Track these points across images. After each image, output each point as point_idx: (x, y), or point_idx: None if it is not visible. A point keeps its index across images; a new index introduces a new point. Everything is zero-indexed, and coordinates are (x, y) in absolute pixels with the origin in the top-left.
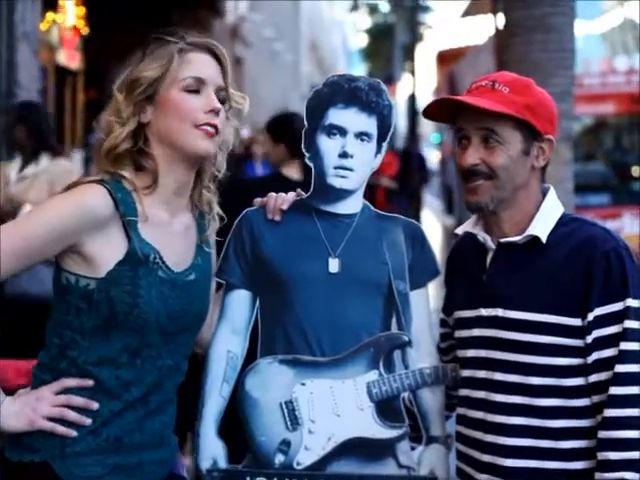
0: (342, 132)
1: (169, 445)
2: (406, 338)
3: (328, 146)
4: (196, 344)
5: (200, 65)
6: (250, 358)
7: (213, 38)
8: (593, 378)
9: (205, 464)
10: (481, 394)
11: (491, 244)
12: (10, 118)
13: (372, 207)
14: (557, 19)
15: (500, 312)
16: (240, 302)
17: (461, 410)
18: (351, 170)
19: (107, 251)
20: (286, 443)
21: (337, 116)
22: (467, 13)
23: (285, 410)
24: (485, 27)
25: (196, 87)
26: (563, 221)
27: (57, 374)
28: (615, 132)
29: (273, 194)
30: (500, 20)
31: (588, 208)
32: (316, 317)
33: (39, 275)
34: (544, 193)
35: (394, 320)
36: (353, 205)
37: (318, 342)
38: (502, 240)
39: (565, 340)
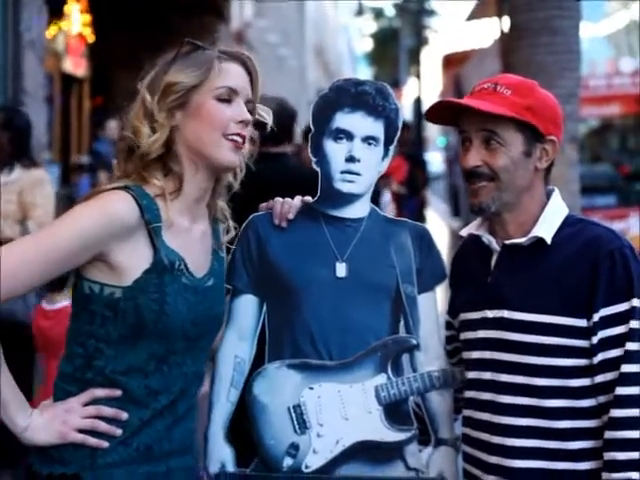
0: (349, 136)
1: (191, 452)
2: (414, 341)
3: (335, 150)
4: None
5: (234, 75)
6: (258, 362)
7: (218, 44)
8: (599, 379)
9: (213, 468)
10: (487, 396)
11: (496, 246)
12: None
13: (379, 211)
14: (563, 22)
15: (505, 314)
16: (247, 307)
17: (467, 412)
18: (358, 174)
19: (133, 259)
20: (294, 447)
21: (344, 120)
22: (472, 16)
23: (293, 414)
24: (490, 30)
25: (228, 97)
26: (568, 222)
27: (83, 385)
28: (621, 133)
29: (279, 199)
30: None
31: (594, 209)
32: (324, 321)
33: None
34: (548, 194)
35: (402, 324)
36: (360, 209)
37: (326, 346)
38: (507, 242)
39: (571, 341)
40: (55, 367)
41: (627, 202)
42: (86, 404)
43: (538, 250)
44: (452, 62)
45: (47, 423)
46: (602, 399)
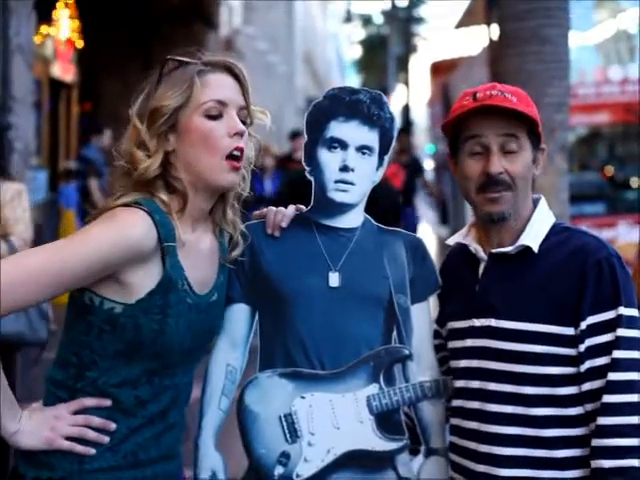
0: (343, 145)
1: (178, 458)
2: (407, 352)
3: (329, 160)
4: None
5: (220, 87)
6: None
7: (206, 52)
8: (586, 386)
9: (204, 476)
10: (475, 404)
11: (483, 255)
12: None
13: (373, 221)
14: (552, 30)
15: (493, 322)
16: (240, 316)
17: (455, 421)
18: (352, 184)
19: (144, 279)
20: (285, 455)
21: (338, 129)
22: (461, 24)
23: (284, 423)
24: (479, 38)
25: (218, 111)
26: (555, 230)
27: (73, 392)
28: (609, 142)
29: (273, 208)
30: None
31: (583, 217)
32: (316, 331)
33: None
34: (535, 203)
35: (395, 334)
36: (354, 219)
37: (318, 356)
38: (494, 250)
39: (558, 349)
40: None
41: (615, 210)
42: (75, 412)
43: (525, 258)
44: (440, 70)
45: (35, 428)
46: (589, 407)
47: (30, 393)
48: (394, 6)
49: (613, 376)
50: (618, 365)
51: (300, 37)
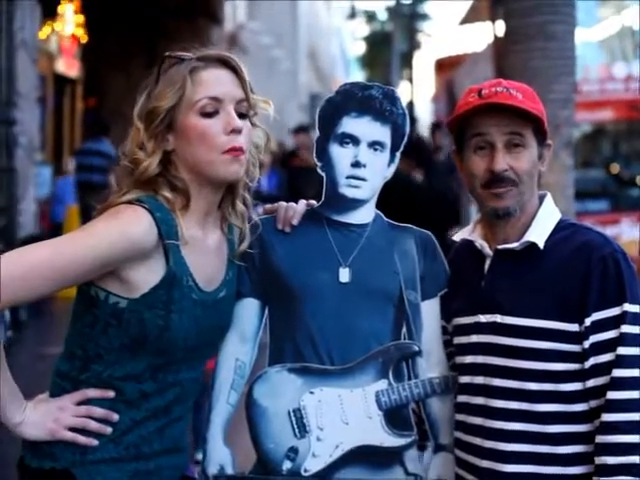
0: (355, 141)
1: (184, 451)
2: (416, 348)
3: (340, 155)
4: None
5: (214, 82)
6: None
7: (211, 46)
8: (591, 383)
9: (212, 470)
10: (480, 400)
11: (489, 251)
12: None
13: (384, 217)
14: (558, 27)
15: (498, 318)
16: (249, 311)
17: (460, 416)
18: (364, 180)
19: (146, 276)
20: (294, 450)
21: (350, 125)
22: (465, 21)
23: (293, 418)
24: (483, 35)
25: (213, 108)
26: (560, 227)
27: (78, 384)
28: (613, 138)
29: (283, 203)
30: (499, 28)
31: (587, 214)
32: (326, 327)
33: None
34: (541, 199)
35: (404, 330)
36: (365, 215)
37: (328, 352)
38: (499, 247)
39: (563, 345)
40: None
41: (619, 207)
42: (79, 403)
43: (531, 255)
44: (445, 66)
45: (39, 419)
46: (594, 403)
47: (34, 388)
48: (398, 2)
49: (617, 373)
50: (622, 362)
51: (304, 33)
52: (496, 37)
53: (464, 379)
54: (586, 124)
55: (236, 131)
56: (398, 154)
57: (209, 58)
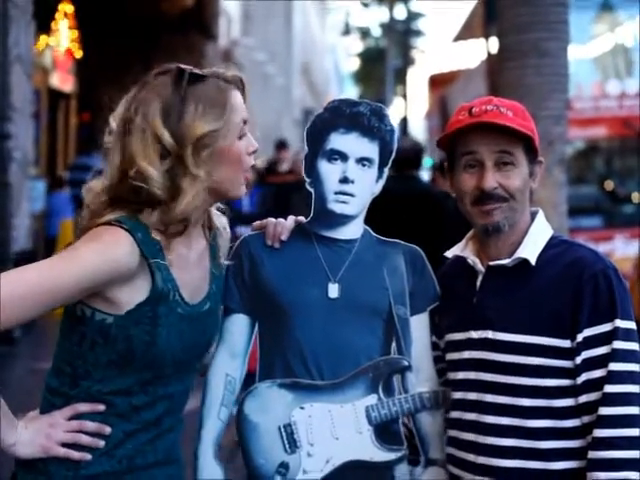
0: (343, 157)
1: (178, 461)
2: (406, 363)
3: (329, 171)
4: None
5: (241, 105)
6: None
7: (206, 62)
8: (583, 399)
9: None
10: (472, 416)
11: (481, 267)
12: None
13: (372, 232)
14: (551, 44)
15: (490, 334)
16: (239, 326)
17: (452, 432)
18: (352, 195)
19: (131, 294)
20: (284, 466)
21: (338, 141)
22: (459, 37)
23: (284, 433)
24: (477, 51)
25: (244, 130)
26: (552, 243)
27: (68, 399)
28: (606, 155)
29: (272, 220)
30: (493, 45)
31: (580, 230)
32: (315, 342)
33: None
34: (532, 216)
35: (394, 345)
36: (354, 230)
37: (317, 367)
38: (491, 263)
39: (555, 361)
40: None
41: (613, 224)
42: (70, 418)
43: (522, 271)
44: (438, 82)
45: (31, 438)
46: (586, 419)
47: (27, 402)
48: (392, 19)
49: (609, 388)
50: (614, 377)
51: (298, 49)
52: (489, 54)
53: (457, 395)
54: (579, 141)
55: (255, 152)
56: (386, 170)
57: (230, 80)
